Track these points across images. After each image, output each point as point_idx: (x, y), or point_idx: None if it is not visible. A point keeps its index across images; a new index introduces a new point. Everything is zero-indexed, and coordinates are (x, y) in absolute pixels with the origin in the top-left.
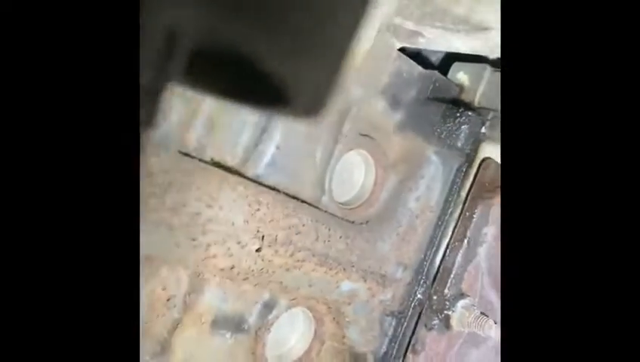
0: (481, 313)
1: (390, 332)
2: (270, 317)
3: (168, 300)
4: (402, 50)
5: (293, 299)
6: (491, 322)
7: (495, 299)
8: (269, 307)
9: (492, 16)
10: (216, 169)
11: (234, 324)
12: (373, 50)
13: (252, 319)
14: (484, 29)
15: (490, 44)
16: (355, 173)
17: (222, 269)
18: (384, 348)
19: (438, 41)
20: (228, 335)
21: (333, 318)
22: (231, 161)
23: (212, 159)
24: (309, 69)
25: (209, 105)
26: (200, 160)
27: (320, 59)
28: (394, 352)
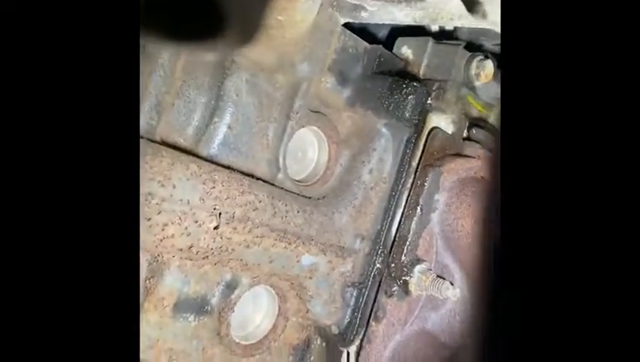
0: (438, 276)
1: (352, 303)
2: (233, 296)
3: None
4: (347, 26)
5: (255, 277)
6: (447, 284)
7: (450, 261)
8: (231, 287)
9: None
10: (168, 148)
11: (197, 306)
12: (317, 26)
13: (215, 300)
14: None
15: (431, 13)
16: (308, 151)
17: (180, 249)
18: (347, 318)
19: (380, 14)
20: (191, 317)
21: (296, 294)
22: (183, 143)
23: (162, 141)
24: None
25: (155, 86)
26: (151, 140)
27: None
28: (357, 321)
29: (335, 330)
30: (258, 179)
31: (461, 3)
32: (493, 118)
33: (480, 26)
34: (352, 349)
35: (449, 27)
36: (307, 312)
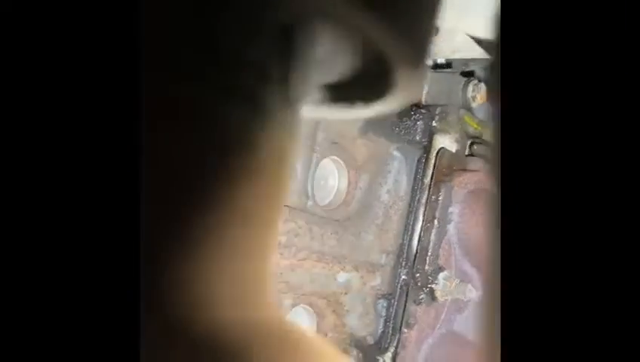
0: (460, 281)
1: (384, 313)
2: None
3: None
4: None
5: (297, 298)
6: (470, 286)
7: (468, 267)
8: None
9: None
10: None
11: None
12: None
13: None
14: None
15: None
16: (329, 178)
17: None
18: (381, 328)
19: None
20: None
21: (333, 310)
22: None
23: None
24: None
25: None
26: None
27: None
28: (390, 330)
29: (370, 341)
30: (293, 208)
31: (469, 38)
32: (487, 134)
33: (480, 57)
34: (388, 356)
35: (449, 59)
36: (344, 326)
